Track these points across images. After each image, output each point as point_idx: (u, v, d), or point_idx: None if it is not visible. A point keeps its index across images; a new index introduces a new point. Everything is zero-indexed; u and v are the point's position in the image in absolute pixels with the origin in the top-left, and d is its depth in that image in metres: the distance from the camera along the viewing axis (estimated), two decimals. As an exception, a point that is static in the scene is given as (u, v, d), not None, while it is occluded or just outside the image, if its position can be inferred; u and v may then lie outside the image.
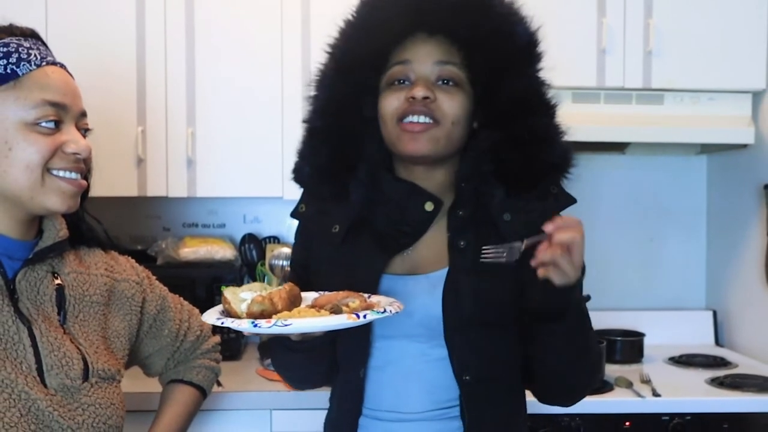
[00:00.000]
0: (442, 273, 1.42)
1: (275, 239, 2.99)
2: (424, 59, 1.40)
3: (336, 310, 1.25)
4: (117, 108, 2.56)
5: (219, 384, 1.83)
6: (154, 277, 1.66)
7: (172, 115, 2.61)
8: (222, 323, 1.20)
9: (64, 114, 1.31)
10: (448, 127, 1.39)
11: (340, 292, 1.29)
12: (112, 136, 2.55)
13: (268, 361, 2.40)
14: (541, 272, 1.24)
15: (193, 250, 2.75)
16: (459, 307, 1.39)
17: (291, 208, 1.54)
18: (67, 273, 1.41)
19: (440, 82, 1.41)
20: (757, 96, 2.76)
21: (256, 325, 1.16)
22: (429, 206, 1.44)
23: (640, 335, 2.85)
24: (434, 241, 1.45)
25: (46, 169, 1.29)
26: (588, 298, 1.61)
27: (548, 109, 1.45)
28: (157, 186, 2.62)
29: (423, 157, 1.41)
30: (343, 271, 1.42)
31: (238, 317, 1.23)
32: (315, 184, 1.49)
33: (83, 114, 1.36)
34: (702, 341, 3.05)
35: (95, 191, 1.48)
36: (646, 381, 2.44)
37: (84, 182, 1.35)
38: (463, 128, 1.42)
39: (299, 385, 1.65)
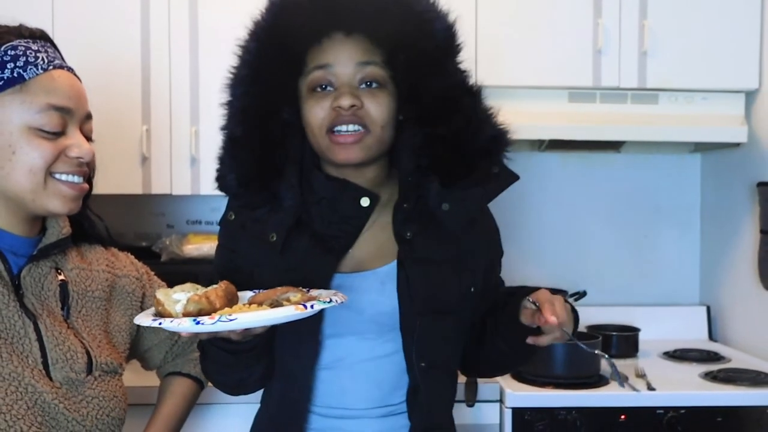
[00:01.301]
0: (389, 268, 1.40)
1: (277, 236, 2.99)
2: (346, 62, 1.34)
3: (277, 306, 1.19)
4: (122, 107, 2.56)
5: None
6: (153, 273, 1.66)
7: (176, 114, 2.61)
8: (160, 324, 1.13)
9: (69, 118, 1.30)
10: (378, 133, 1.36)
11: (278, 288, 1.24)
12: (117, 134, 2.55)
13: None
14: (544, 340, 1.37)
15: (196, 247, 2.75)
16: (413, 296, 1.37)
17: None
18: (70, 269, 1.41)
19: (363, 85, 1.35)
20: (750, 95, 2.76)
21: (198, 323, 1.09)
22: (365, 201, 1.41)
23: (635, 330, 2.85)
24: (376, 237, 1.43)
25: (49, 173, 1.28)
26: (584, 293, 1.64)
27: (473, 100, 1.40)
28: (161, 184, 2.62)
29: (355, 163, 1.38)
30: (287, 276, 1.35)
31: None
32: (244, 193, 1.42)
33: (88, 116, 1.36)
34: (696, 336, 3.06)
35: (101, 189, 1.49)
36: (641, 375, 2.43)
37: (86, 186, 1.34)
38: (391, 127, 1.38)
39: (234, 391, 1.50)
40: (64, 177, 1.30)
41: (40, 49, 1.30)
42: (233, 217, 1.46)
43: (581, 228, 3.14)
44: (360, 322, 1.39)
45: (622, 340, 2.79)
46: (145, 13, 2.57)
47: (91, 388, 1.34)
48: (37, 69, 1.28)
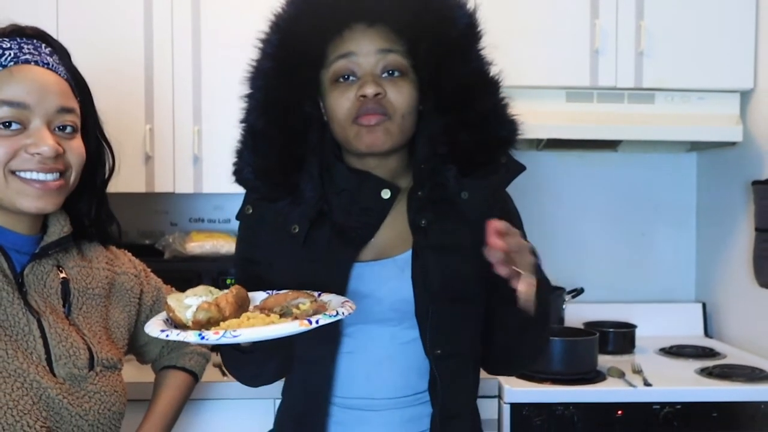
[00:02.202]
0: (407, 255, 1.39)
1: (279, 234, 2.99)
2: (368, 50, 1.33)
3: (286, 312, 1.18)
4: (126, 107, 2.56)
5: (224, 374, 1.83)
6: (150, 270, 1.67)
7: (179, 113, 2.61)
8: (167, 336, 1.11)
9: (29, 113, 1.25)
10: (399, 121, 1.35)
11: (290, 293, 1.23)
12: (120, 133, 2.49)
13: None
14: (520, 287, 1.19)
15: (199, 245, 2.75)
16: (428, 284, 1.36)
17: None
18: (71, 267, 1.41)
19: (386, 74, 1.34)
20: (745, 95, 2.76)
21: (203, 338, 1.07)
22: (386, 193, 1.40)
23: (632, 327, 2.85)
24: (396, 225, 1.42)
25: (11, 171, 1.25)
26: (581, 290, 1.64)
27: (494, 88, 1.40)
28: (164, 182, 2.62)
29: (379, 151, 1.37)
30: (309, 267, 1.36)
31: (184, 325, 1.15)
32: (261, 186, 1.41)
33: (63, 110, 1.29)
34: (692, 333, 3.05)
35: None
36: (638, 371, 2.44)
37: (59, 182, 1.29)
38: (413, 116, 1.38)
39: (251, 383, 1.49)
40: (27, 175, 1.26)
41: (13, 46, 1.28)
42: (251, 210, 1.45)
43: (579, 226, 3.14)
44: (381, 311, 1.38)
45: (619, 337, 2.79)
46: (148, 13, 2.57)
47: (93, 383, 1.34)
48: None
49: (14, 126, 1.24)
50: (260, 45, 1.39)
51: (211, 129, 2.62)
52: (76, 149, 1.32)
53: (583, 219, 3.14)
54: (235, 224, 3.10)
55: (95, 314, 1.43)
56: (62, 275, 1.38)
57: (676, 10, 2.68)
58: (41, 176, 1.26)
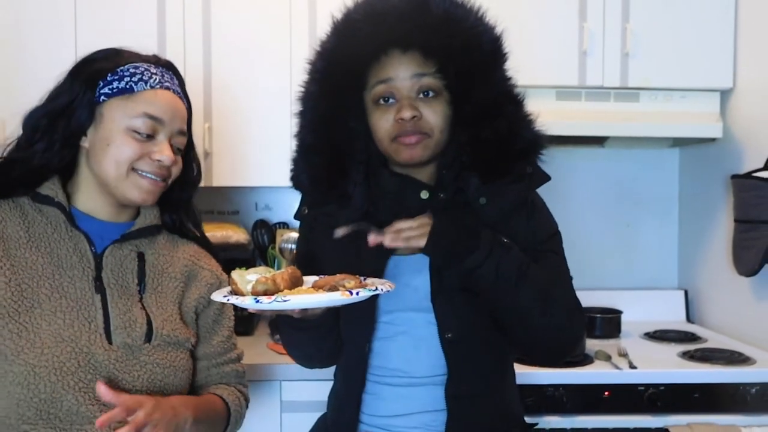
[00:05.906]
0: None
1: (285, 225, 2.98)
2: (404, 75, 1.40)
3: (333, 291, 1.24)
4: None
5: None
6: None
7: (190, 111, 2.60)
8: (228, 300, 1.22)
9: (161, 127, 1.43)
10: (437, 137, 1.42)
11: (338, 275, 1.29)
12: None
13: (278, 336, 2.40)
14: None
15: (209, 235, 2.69)
16: (441, 276, 1.42)
17: (299, 196, 1.54)
18: (151, 253, 1.52)
19: (421, 95, 1.40)
20: (724, 94, 2.75)
21: (257, 301, 1.18)
22: (424, 194, 1.45)
23: (618, 312, 2.84)
24: None
25: (132, 168, 1.41)
26: (570, 278, 1.63)
27: (515, 105, 1.45)
28: (176, 177, 2.61)
29: (419, 162, 1.43)
30: (353, 261, 1.40)
31: (244, 296, 1.24)
32: (315, 192, 1.50)
33: (181, 133, 1.48)
34: (674, 318, 3.05)
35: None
36: (624, 354, 2.43)
37: (163, 183, 1.46)
38: (447, 130, 1.43)
39: (307, 363, 1.60)
40: (145, 174, 1.43)
41: (157, 72, 1.46)
42: (306, 211, 1.54)
43: (567, 218, 3.11)
44: (417, 299, 1.44)
45: (606, 322, 2.78)
46: (161, 13, 2.56)
47: (147, 354, 1.42)
48: (146, 85, 1.43)
49: (148, 133, 1.42)
50: (308, 69, 1.46)
51: (221, 126, 2.61)
52: (178, 164, 1.49)
53: (571, 211, 3.13)
54: (243, 216, 3.14)
55: (171, 295, 1.52)
56: (138, 260, 1.49)
57: (660, 14, 2.67)
58: (154, 177, 1.44)
